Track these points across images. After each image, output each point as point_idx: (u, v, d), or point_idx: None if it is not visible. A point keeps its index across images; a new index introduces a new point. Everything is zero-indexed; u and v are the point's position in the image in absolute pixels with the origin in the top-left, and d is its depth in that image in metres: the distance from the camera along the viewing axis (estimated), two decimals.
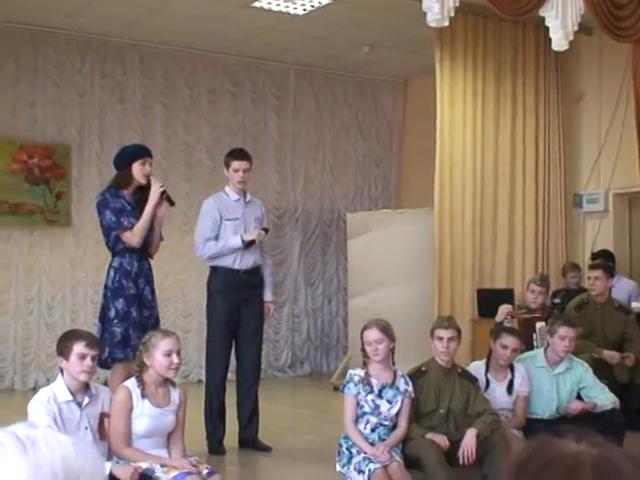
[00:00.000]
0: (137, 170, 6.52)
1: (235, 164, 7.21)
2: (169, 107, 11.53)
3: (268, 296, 7.36)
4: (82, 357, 4.97)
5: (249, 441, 7.17)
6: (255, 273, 7.26)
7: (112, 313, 6.37)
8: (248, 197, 7.33)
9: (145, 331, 6.29)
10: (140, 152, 6.66)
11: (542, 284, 8.22)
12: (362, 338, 6.00)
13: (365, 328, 5.99)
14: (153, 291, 6.62)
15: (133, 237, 6.39)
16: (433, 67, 9.80)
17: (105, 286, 6.50)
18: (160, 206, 6.52)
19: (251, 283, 7.21)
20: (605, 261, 9.21)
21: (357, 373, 5.98)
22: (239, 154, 7.41)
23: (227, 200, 7.22)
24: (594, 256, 9.66)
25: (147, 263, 6.61)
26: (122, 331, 6.28)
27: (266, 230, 7.35)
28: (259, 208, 7.47)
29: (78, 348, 4.97)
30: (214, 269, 7.23)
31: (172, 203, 6.68)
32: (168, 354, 5.26)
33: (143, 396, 5.24)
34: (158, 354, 5.26)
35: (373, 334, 5.94)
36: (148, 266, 6.61)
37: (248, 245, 7.10)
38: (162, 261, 11.22)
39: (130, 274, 6.43)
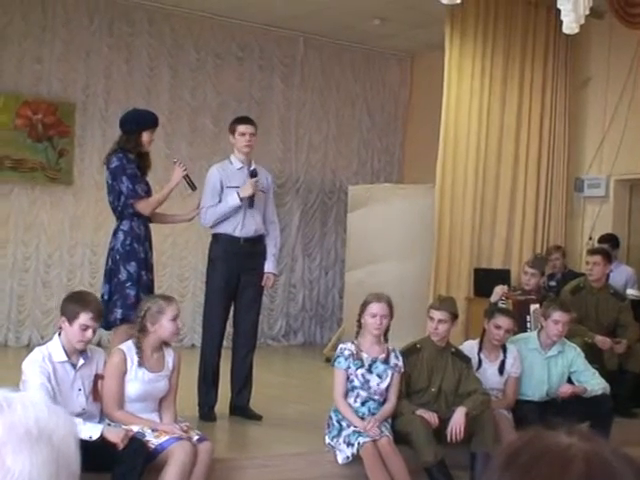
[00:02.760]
0: (147, 139, 6.62)
1: (241, 128, 7.17)
2: (176, 70, 11.47)
3: (269, 267, 7.32)
4: (85, 328, 5.00)
5: (240, 408, 7.19)
6: (257, 242, 7.22)
7: (124, 276, 6.43)
8: (252, 165, 7.27)
9: (151, 294, 6.37)
10: (153, 122, 6.77)
11: (534, 266, 8.24)
12: (364, 309, 6.00)
13: (372, 300, 6.00)
14: (152, 255, 6.76)
15: (147, 207, 6.57)
16: (442, 43, 9.77)
17: (113, 249, 6.54)
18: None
19: (252, 251, 7.17)
20: (611, 245, 9.27)
21: (347, 347, 6.02)
22: (245, 118, 7.42)
23: (231, 168, 7.18)
24: (600, 239, 9.67)
25: (150, 229, 6.73)
26: (135, 294, 6.34)
27: (253, 174, 7.14)
28: (264, 176, 7.41)
29: (84, 318, 4.99)
30: (215, 236, 7.22)
31: (194, 187, 6.86)
32: (174, 319, 5.32)
33: (140, 362, 5.28)
34: (165, 320, 5.31)
35: (381, 308, 5.96)
36: (150, 230, 6.73)
37: (251, 202, 7.06)
38: (161, 224, 11.24)
39: (140, 238, 6.53)
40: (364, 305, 6.02)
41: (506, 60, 10.17)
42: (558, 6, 7.67)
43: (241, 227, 7.10)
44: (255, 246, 7.21)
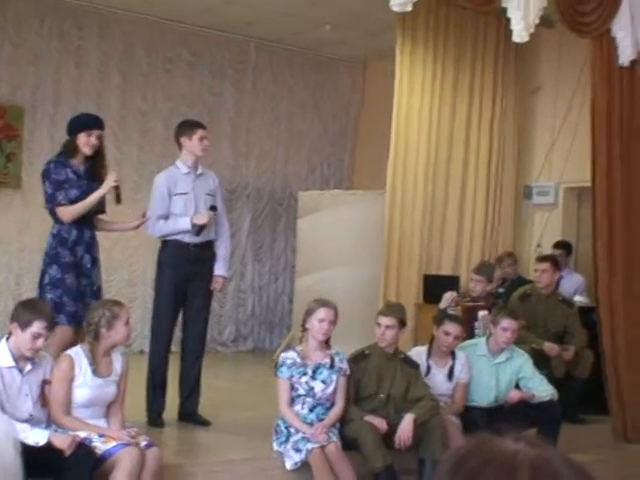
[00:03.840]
0: (82, 141, 6.44)
1: (202, 132, 7.10)
2: (126, 74, 11.38)
3: (219, 269, 7.27)
4: (37, 336, 4.96)
5: (189, 415, 7.15)
6: (206, 247, 7.17)
7: (46, 279, 6.36)
8: (200, 170, 7.19)
9: (83, 299, 6.28)
10: (87, 123, 6.58)
11: (480, 272, 8.30)
12: (310, 314, 6.01)
13: (319, 306, 6.01)
14: (95, 260, 6.56)
15: (66, 214, 6.37)
16: (393, 51, 9.81)
17: (44, 252, 6.49)
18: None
19: (201, 257, 7.12)
20: (565, 252, 9.40)
21: (290, 356, 6.05)
22: (200, 122, 7.35)
23: (177, 173, 7.10)
24: (555, 246, 9.81)
25: (90, 232, 6.53)
26: (54, 297, 6.22)
27: (213, 208, 7.12)
28: (212, 181, 7.32)
29: (37, 327, 4.95)
30: (164, 242, 7.17)
31: (119, 201, 6.50)
32: (127, 323, 5.33)
33: (93, 370, 5.25)
34: (119, 324, 5.29)
35: (329, 313, 5.98)
36: (91, 235, 6.54)
37: (199, 230, 6.97)
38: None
39: (67, 242, 6.39)
40: (310, 310, 6.04)
41: (456, 68, 10.24)
42: (508, 15, 7.73)
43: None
44: (204, 252, 7.16)
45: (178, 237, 7.03)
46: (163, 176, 7.15)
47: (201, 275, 7.14)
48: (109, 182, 6.42)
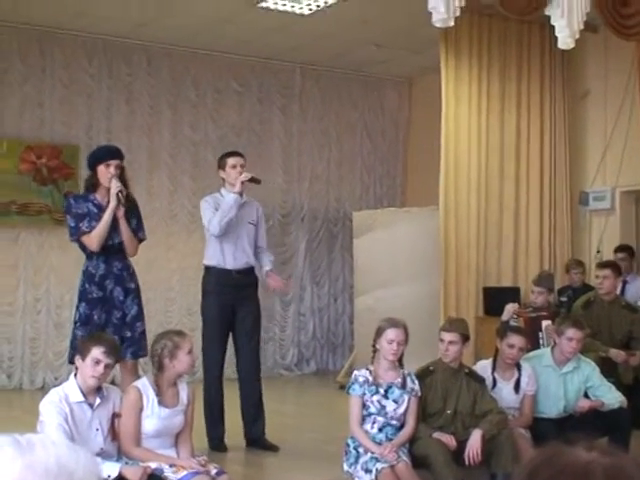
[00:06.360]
0: (101, 173, 6.41)
1: (231, 160, 7.25)
2: (176, 106, 11.55)
3: (267, 265, 7.42)
4: (97, 362, 5.02)
5: (255, 440, 7.19)
6: (248, 273, 7.30)
7: (76, 316, 6.44)
8: (244, 198, 7.30)
9: (118, 333, 6.29)
10: (103, 155, 6.54)
11: (540, 284, 8.23)
12: (380, 334, 5.98)
13: (388, 326, 5.97)
14: (128, 290, 6.50)
15: (92, 241, 6.36)
16: (438, 66, 9.82)
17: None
18: (119, 209, 6.41)
19: (244, 283, 7.25)
20: (629, 255, 9.27)
21: (362, 374, 6.00)
22: (233, 152, 7.51)
23: (222, 201, 7.20)
24: (617, 250, 9.66)
25: (120, 264, 6.50)
26: (83, 334, 6.22)
27: (254, 180, 7.26)
28: (255, 210, 7.47)
29: (95, 353, 5.02)
30: (207, 269, 7.29)
31: (124, 205, 6.40)
32: (190, 352, 5.37)
33: (159, 401, 5.29)
34: (182, 354, 5.34)
35: (398, 334, 5.95)
36: (121, 267, 6.50)
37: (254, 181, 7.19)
38: (168, 260, 11.28)
39: (94, 277, 6.41)
40: (380, 330, 5.99)
41: (502, 79, 10.21)
42: (552, 22, 7.70)
43: (232, 259, 7.16)
44: (247, 277, 7.30)
45: (220, 263, 7.12)
46: (210, 198, 7.32)
47: (246, 300, 7.23)
48: (112, 192, 6.34)
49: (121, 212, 6.40)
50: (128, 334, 6.38)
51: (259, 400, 7.28)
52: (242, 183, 7.09)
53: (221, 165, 7.32)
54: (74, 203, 6.47)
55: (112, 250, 6.45)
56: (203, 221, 7.24)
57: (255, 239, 7.38)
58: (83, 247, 6.50)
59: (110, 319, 6.39)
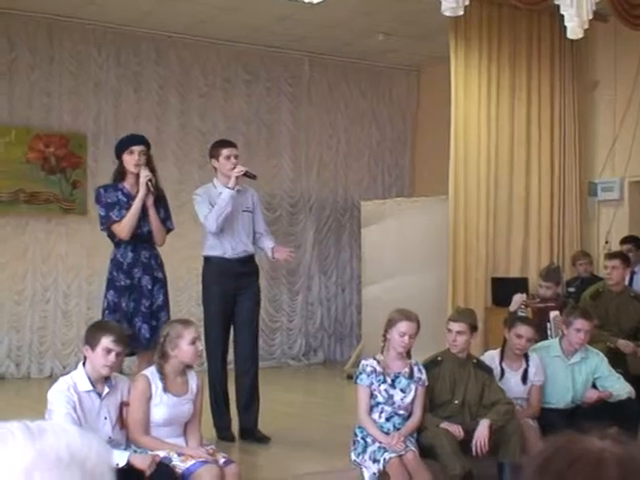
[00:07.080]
0: (127, 161, 6.45)
1: (225, 151, 7.10)
2: (184, 96, 11.55)
3: (271, 242, 7.36)
4: (107, 351, 5.02)
5: (246, 431, 7.11)
6: (247, 262, 7.24)
7: (105, 304, 6.44)
8: (237, 187, 7.12)
9: (146, 321, 6.33)
10: (126, 142, 6.58)
11: (548, 279, 8.21)
12: (392, 325, 5.96)
13: (401, 318, 5.95)
14: (156, 279, 6.53)
15: (122, 229, 6.36)
16: (447, 56, 9.78)
17: (106, 277, 6.57)
18: (148, 197, 6.42)
19: (244, 271, 7.20)
20: (635, 246, 9.23)
21: (369, 364, 6.00)
22: (226, 142, 7.37)
23: (214, 192, 7.11)
24: (622, 241, 9.62)
25: (148, 253, 6.51)
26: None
27: (249, 174, 7.12)
28: (250, 197, 7.36)
29: (105, 342, 5.02)
30: (207, 259, 7.24)
31: (154, 193, 6.45)
32: (193, 342, 5.35)
33: (165, 388, 5.30)
34: (184, 343, 5.33)
35: (410, 327, 5.93)
36: (149, 255, 6.52)
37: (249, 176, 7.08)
38: (176, 249, 11.26)
39: (122, 265, 6.42)
40: (392, 322, 5.96)
41: (512, 68, 10.17)
42: (561, 12, 7.67)
43: (231, 249, 7.12)
44: (246, 266, 7.24)
45: (219, 253, 7.10)
46: (201, 191, 7.22)
47: (246, 288, 7.19)
48: (142, 181, 6.38)
49: (150, 200, 6.44)
50: (153, 323, 6.38)
51: (252, 390, 7.19)
52: (237, 178, 6.98)
53: (214, 154, 7.18)
54: (104, 192, 6.48)
55: (140, 239, 6.47)
56: (199, 217, 7.16)
57: (253, 226, 7.33)
58: (112, 236, 6.50)
59: (139, 308, 6.41)
